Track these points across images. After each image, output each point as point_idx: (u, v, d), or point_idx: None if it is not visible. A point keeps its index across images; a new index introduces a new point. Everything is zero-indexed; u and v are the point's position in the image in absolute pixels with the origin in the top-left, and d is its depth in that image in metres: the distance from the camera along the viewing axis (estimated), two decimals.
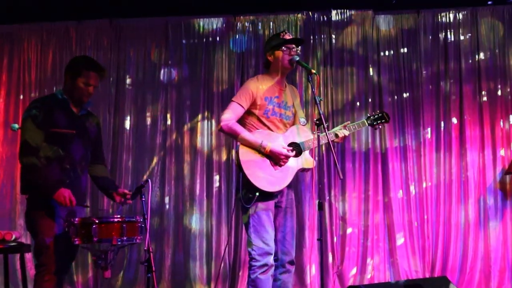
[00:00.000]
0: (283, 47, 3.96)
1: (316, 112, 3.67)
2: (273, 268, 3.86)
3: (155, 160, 6.42)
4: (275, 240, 3.91)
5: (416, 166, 6.22)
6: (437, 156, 6.22)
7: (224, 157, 6.39)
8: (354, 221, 6.18)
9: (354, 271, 6.11)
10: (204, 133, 6.44)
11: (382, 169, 6.24)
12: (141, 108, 6.51)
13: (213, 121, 6.43)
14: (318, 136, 3.75)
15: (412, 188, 6.18)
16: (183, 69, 6.52)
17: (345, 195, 6.23)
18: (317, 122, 3.70)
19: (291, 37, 4.05)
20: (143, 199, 3.63)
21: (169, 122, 6.49)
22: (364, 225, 6.18)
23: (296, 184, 5.99)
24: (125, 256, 6.20)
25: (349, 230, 6.17)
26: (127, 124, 6.50)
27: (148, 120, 6.49)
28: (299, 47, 4.06)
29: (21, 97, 6.56)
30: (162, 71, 6.54)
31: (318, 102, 3.70)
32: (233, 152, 6.33)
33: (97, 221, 3.49)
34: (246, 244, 6.08)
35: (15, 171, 6.42)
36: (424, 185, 6.18)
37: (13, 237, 3.66)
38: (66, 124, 3.76)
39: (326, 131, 3.69)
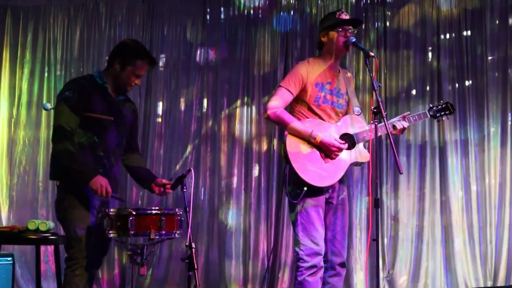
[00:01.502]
0: (338, 28, 3.94)
1: (373, 99, 3.60)
2: (323, 270, 3.85)
3: (189, 149, 6.47)
4: (325, 240, 3.90)
5: (478, 162, 6.15)
6: (502, 151, 6.14)
7: (264, 147, 6.41)
8: (407, 221, 6.15)
9: (405, 277, 6.08)
10: (243, 120, 6.47)
11: (440, 165, 6.19)
12: (174, 92, 6.55)
13: (253, 107, 6.46)
14: (376, 126, 3.70)
15: (473, 186, 6.12)
16: (221, 49, 6.55)
17: (398, 192, 6.20)
18: (375, 110, 3.64)
19: (348, 17, 4.01)
20: (185, 190, 3.65)
21: (205, 107, 6.53)
22: (418, 226, 6.14)
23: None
24: (154, 251, 6.26)
25: (401, 231, 6.15)
26: (159, 109, 6.56)
27: (182, 105, 6.54)
28: (356, 28, 4.03)
29: (46, 76, 6.66)
30: (198, 52, 6.58)
31: (376, 88, 3.64)
32: (274, 141, 6.35)
33: (134, 213, 3.52)
34: (293, 243, 6.17)
35: (37, 157, 6.55)
36: (487, 183, 6.11)
37: (48, 226, 3.71)
38: (103, 110, 3.78)
39: (386, 120, 3.65)
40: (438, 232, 6.11)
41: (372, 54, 3.75)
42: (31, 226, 3.74)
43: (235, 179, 6.39)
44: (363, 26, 6.31)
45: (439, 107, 4.15)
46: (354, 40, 3.92)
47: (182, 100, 6.55)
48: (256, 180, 6.38)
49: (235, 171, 6.40)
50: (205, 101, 6.53)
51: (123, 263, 6.39)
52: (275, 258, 6.23)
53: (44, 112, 6.58)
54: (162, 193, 3.97)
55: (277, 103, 3.88)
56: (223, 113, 6.51)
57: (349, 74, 4.23)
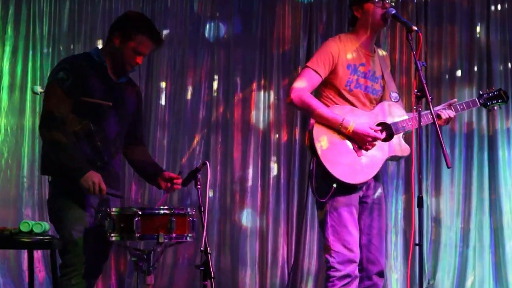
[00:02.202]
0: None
1: (417, 81, 3.59)
2: (357, 280, 3.85)
3: (197, 138, 6.48)
4: (360, 245, 3.89)
5: None
6: None
7: (284, 137, 6.42)
8: (450, 223, 6.18)
9: (449, 287, 6.09)
10: (260, 106, 6.48)
11: (489, 157, 6.21)
12: (180, 73, 6.54)
13: (271, 91, 6.46)
14: (419, 112, 3.68)
15: None
16: (234, 24, 6.56)
17: (440, 190, 6.23)
18: (419, 94, 3.62)
19: None
20: (199, 186, 3.65)
21: (215, 91, 6.54)
22: (463, 229, 6.17)
23: None
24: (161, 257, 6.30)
25: (444, 235, 6.18)
26: (162, 93, 6.55)
27: (189, 89, 6.54)
28: None
29: (31, 55, 6.62)
30: (207, 27, 6.58)
31: (420, 68, 3.62)
32: (296, 131, 6.35)
33: (140, 213, 3.52)
34: (317, 249, 6.19)
35: (22, 149, 6.55)
36: None
37: (43, 228, 3.71)
38: (101, 94, 3.77)
39: (431, 105, 3.63)
40: (487, 236, 6.13)
41: (415, 28, 3.73)
42: (24, 228, 3.75)
43: (250, 174, 6.41)
44: None
45: (491, 94, 4.15)
46: (394, 12, 3.89)
47: (189, 82, 6.54)
48: (274, 175, 6.40)
49: (250, 165, 6.42)
50: (215, 83, 6.54)
51: (120, 271, 6.41)
52: (296, 265, 6.26)
53: (29, 96, 6.56)
54: (169, 189, 3.96)
55: (303, 85, 3.85)
56: (236, 98, 6.51)
57: (385, 54, 4.22)
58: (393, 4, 3.95)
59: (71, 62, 3.84)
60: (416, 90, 3.64)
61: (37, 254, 6.18)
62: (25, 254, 6.31)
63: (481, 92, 4.18)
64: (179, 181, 3.94)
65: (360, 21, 3.97)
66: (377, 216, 3.98)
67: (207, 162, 3.68)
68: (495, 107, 4.16)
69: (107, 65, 3.83)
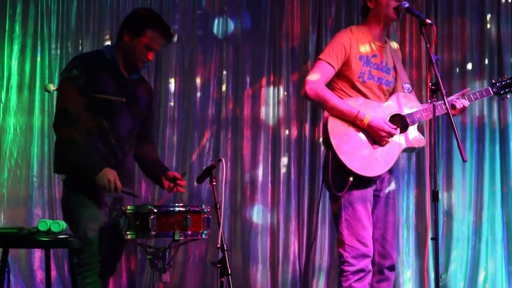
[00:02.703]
0: None
1: (431, 75, 3.60)
2: (371, 274, 3.85)
3: (206, 135, 6.49)
4: (372, 239, 3.89)
5: None
6: None
7: (294, 133, 6.42)
8: (463, 217, 6.17)
9: (461, 282, 6.10)
10: (270, 102, 6.48)
11: (501, 151, 6.21)
12: (189, 69, 6.54)
13: (281, 87, 6.46)
14: (434, 105, 3.69)
15: None
16: (243, 19, 6.56)
17: (452, 184, 6.23)
18: (433, 87, 3.64)
19: None
20: (214, 183, 3.64)
21: (224, 87, 6.54)
22: (476, 222, 6.16)
23: None
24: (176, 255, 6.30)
25: (456, 229, 6.17)
26: (171, 90, 6.56)
27: (198, 85, 6.54)
28: None
29: (39, 54, 6.65)
30: (216, 22, 6.58)
31: (434, 61, 3.63)
32: (306, 126, 6.34)
33: (156, 211, 3.51)
34: (329, 245, 6.18)
35: (31, 148, 6.56)
36: None
37: (61, 227, 3.72)
38: (114, 90, 3.77)
39: (445, 99, 3.63)
40: (499, 229, 6.13)
41: (429, 21, 3.75)
42: (42, 227, 3.76)
43: (260, 171, 6.41)
44: None
45: (503, 82, 4.14)
46: (407, 5, 3.91)
47: (198, 79, 6.54)
48: (284, 171, 6.40)
49: (261, 161, 6.42)
50: (224, 80, 6.54)
51: (131, 269, 6.41)
52: (308, 262, 6.27)
53: (38, 96, 6.59)
54: (171, 189, 3.96)
55: (317, 78, 3.86)
56: (246, 94, 6.51)
57: (396, 46, 4.23)
58: None
59: (84, 59, 3.84)
60: (430, 84, 3.66)
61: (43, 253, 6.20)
62: (35, 253, 6.34)
63: (493, 81, 4.18)
64: (183, 183, 3.95)
65: (373, 12, 3.98)
66: (391, 210, 3.99)
67: (222, 159, 3.67)
68: (508, 95, 4.15)
69: (119, 62, 3.83)
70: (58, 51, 6.64)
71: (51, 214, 6.40)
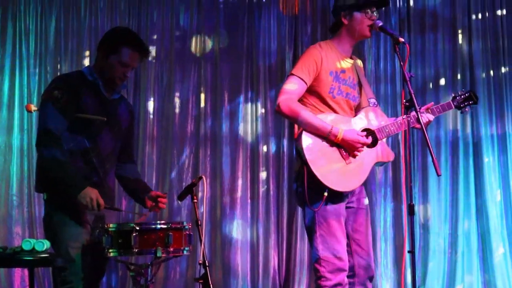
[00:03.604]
0: (366, 9, 3.97)
1: (405, 92, 3.68)
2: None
3: (185, 152, 6.52)
4: (349, 252, 3.93)
5: None
6: None
7: (273, 148, 6.48)
8: (439, 229, 6.25)
9: None
10: (248, 118, 6.54)
11: (475, 164, 6.30)
12: (167, 87, 6.58)
13: (259, 103, 6.53)
14: (409, 122, 3.77)
15: None
16: (221, 37, 6.61)
17: (427, 197, 6.30)
18: (407, 104, 3.70)
19: None
20: (195, 200, 3.70)
21: (203, 104, 6.58)
22: (451, 234, 6.24)
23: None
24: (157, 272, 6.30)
25: (432, 241, 6.24)
26: (150, 107, 6.59)
27: (177, 103, 6.59)
28: (379, 10, 4.09)
29: (17, 73, 6.63)
30: (193, 40, 6.62)
31: (408, 78, 3.68)
32: (284, 142, 6.40)
33: (138, 228, 3.57)
34: (308, 259, 6.23)
35: (10, 167, 6.54)
36: None
37: (45, 246, 3.74)
38: (95, 110, 3.81)
39: (419, 115, 3.70)
40: (474, 241, 6.21)
41: (402, 40, 3.79)
42: (26, 246, 3.78)
43: (239, 186, 6.46)
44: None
45: (463, 96, 4.22)
46: (381, 24, 3.96)
47: (176, 96, 6.59)
48: (263, 187, 6.46)
49: (240, 177, 6.47)
50: (202, 97, 6.58)
51: (111, 286, 6.42)
52: (288, 275, 6.31)
53: (16, 114, 6.56)
54: (153, 208, 3.99)
55: (290, 94, 3.87)
56: (224, 111, 6.57)
57: (360, 62, 4.26)
58: (377, 15, 4.04)
59: (65, 80, 3.90)
60: (404, 100, 3.73)
61: (27, 271, 6.17)
62: (15, 273, 6.31)
63: (453, 94, 4.26)
64: (164, 200, 3.99)
65: (346, 27, 4.01)
66: (364, 220, 4.01)
67: (203, 177, 3.73)
68: (467, 109, 4.23)
69: (100, 82, 3.88)
70: (37, 70, 6.62)
71: (31, 232, 6.36)
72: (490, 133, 6.30)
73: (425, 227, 6.28)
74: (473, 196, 6.26)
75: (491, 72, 6.36)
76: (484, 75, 6.36)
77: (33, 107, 4.08)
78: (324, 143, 3.85)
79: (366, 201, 4.08)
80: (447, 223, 6.26)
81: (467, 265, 6.17)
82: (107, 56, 3.84)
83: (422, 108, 4.11)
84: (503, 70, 6.36)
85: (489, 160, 6.26)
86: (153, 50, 6.61)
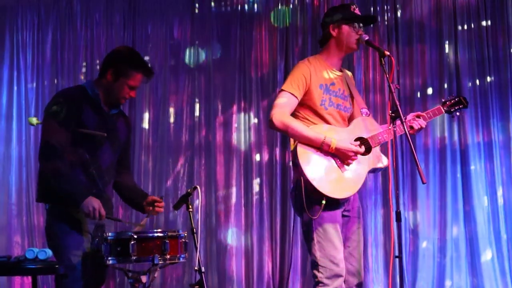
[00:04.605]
0: (354, 23, 4.12)
1: (391, 103, 3.83)
2: None
3: (180, 161, 6.66)
4: None
5: (505, 166, 6.36)
6: None
7: (265, 157, 6.60)
8: (428, 234, 6.34)
9: None
10: (241, 128, 6.67)
11: (462, 171, 6.39)
12: (162, 98, 6.72)
13: (251, 113, 6.65)
14: (395, 131, 3.91)
15: (499, 193, 6.33)
16: (214, 49, 6.75)
17: (417, 203, 6.39)
18: (393, 114, 3.85)
19: (360, 13, 4.23)
20: (191, 210, 3.84)
21: (197, 115, 6.71)
22: (440, 240, 6.33)
23: None
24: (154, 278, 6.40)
25: (422, 246, 6.34)
26: (146, 118, 6.73)
27: (171, 113, 6.73)
28: (366, 26, 4.24)
29: (15, 85, 6.79)
30: (187, 52, 6.76)
31: (393, 90, 3.82)
32: (277, 150, 6.51)
33: (136, 237, 3.71)
34: (301, 264, 6.34)
35: (9, 177, 6.66)
36: None
37: (47, 254, 3.89)
38: (95, 124, 3.95)
39: (404, 125, 3.85)
40: (462, 246, 6.29)
41: (387, 53, 3.92)
42: (30, 255, 3.92)
43: (234, 194, 6.58)
44: None
45: (452, 101, 4.37)
46: (367, 38, 4.10)
47: (171, 107, 6.73)
48: (257, 194, 6.57)
49: (234, 185, 6.59)
50: (197, 107, 6.71)
51: None
52: (281, 281, 6.39)
53: (15, 125, 6.71)
54: (151, 212, 4.13)
55: (282, 109, 4.00)
56: (218, 120, 6.69)
57: (350, 74, 4.40)
58: (363, 30, 4.19)
59: (65, 95, 4.02)
60: (390, 111, 3.88)
61: (28, 279, 6.27)
62: (15, 280, 6.42)
63: (443, 100, 4.40)
64: (161, 204, 4.13)
65: (335, 40, 4.15)
66: (357, 229, 4.14)
67: (198, 187, 3.86)
68: (457, 113, 4.39)
69: (100, 98, 4.02)
70: (34, 82, 6.78)
71: (30, 241, 6.48)
72: (476, 141, 6.40)
73: (415, 232, 6.36)
74: (461, 202, 6.35)
75: (477, 82, 6.47)
76: (470, 84, 6.46)
77: (36, 121, 4.22)
78: (319, 153, 3.97)
79: (359, 209, 4.21)
80: (436, 228, 6.35)
81: (456, 270, 6.26)
82: (116, 77, 3.98)
83: (412, 114, 4.25)
84: (488, 79, 6.46)
85: (476, 167, 6.37)
86: (147, 61, 6.67)
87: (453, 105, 4.37)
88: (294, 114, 4.09)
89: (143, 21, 6.82)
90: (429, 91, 6.52)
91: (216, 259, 6.52)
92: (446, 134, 6.43)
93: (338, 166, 4.00)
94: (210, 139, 6.66)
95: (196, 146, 6.66)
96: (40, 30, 6.87)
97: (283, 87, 4.08)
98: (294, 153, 3.98)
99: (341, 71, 4.26)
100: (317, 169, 3.95)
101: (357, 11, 4.19)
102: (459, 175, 6.40)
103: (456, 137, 6.43)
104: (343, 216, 4.09)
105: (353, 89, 4.29)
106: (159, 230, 3.86)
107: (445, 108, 4.35)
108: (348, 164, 4.00)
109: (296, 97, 4.03)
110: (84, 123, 3.92)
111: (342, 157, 3.98)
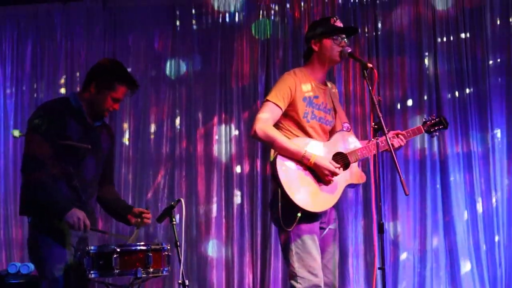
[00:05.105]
0: (334, 36, 4.16)
1: (374, 115, 3.86)
2: None
3: (161, 173, 6.63)
4: None
5: (484, 176, 6.38)
6: (509, 164, 6.37)
7: (246, 169, 6.59)
8: (408, 245, 6.35)
9: None
10: (222, 140, 6.65)
11: (442, 182, 6.41)
12: (142, 110, 6.72)
13: (233, 124, 6.64)
14: (378, 143, 3.95)
15: (478, 204, 6.35)
16: (195, 61, 6.75)
17: (397, 214, 6.40)
18: (376, 126, 3.88)
19: (341, 25, 4.26)
20: (174, 223, 3.83)
21: (178, 126, 6.71)
22: (420, 250, 6.35)
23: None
24: None
25: (402, 257, 6.35)
26: (126, 129, 6.72)
27: (152, 125, 6.72)
28: (349, 38, 4.28)
29: None
30: (168, 64, 6.75)
31: (377, 102, 3.86)
32: (258, 162, 6.51)
33: (118, 250, 3.69)
34: (282, 275, 6.33)
35: None
36: (493, 200, 6.34)
37: (30, 269, 3.85)
38: (79, 137, 3.95)
39: (387, 137, 3.88)
40: (442, 257, 6.31)
41: (370, 65, 3.99)
42: (12, 269, 3.88)
43: (214, 206, 6.55)
44: None
45: (433, 121, 4.44)
46: (350, 50, 4.18)
47: (151, 118, 6.71)
48: (238, 206, 6.55)
49: (215, 197, 6.57)
50: (177, 119, 6.70)
51: None
52: None
53: None
54: (139, 224, 4.12)
55: (266, 119, 4.05)
56: (199, 132, 6.68)
57: (334, 87, 4.48)
58: (347, 42, 4.22)
59: (48, 107, 4.02)
60: (373, 123, 3.91)
61: None
62: None
63: (424, 119, 4.47)
64: (149, 215, 4.14)
65: (317, 54, 4.21)
66: (333, 241, 4.22)
67: (182, 200, 3.86)
68: (437, 133, 4.45)
69: (84, 110, 4.00)
70: (14, 94, 6.74)
71: (8, 255, 6.34)
72: (456, 152, 6.42)
73: (395, 243, 6.37)
74: (440, 212, 6.36)
75: (456, 93, 6.49)
76: (449, 96, 6.48)
77: (18, 133, 4.20)
78: (298, 166, 4.03)
79: (335, 222, 4.26)
80: (416, 239, 6.36)
81: (436, 281, 6.27)
82: (100, 89, 3.98)
83: (392, 132, 4.31)
84: (467, 91, 6.49)
85: (455, 178, 6.38)
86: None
87: (433, 125, 4.44)
88: (276, 125, 4.13)
89: (124, 32, 6.82)
90: (409, 102, 6.54)
91: (197, 271, 6.50)
92: (426, 145, 6.44)
93: (316, 180, 4.05)
94: (191, 151, 6.64)
95: (176, 158, 6.64)
96: (19, 42, 6.84)
97: (268, 97, 4.12)
98: (273, 165, 4.04)
99: (326, 84, 4.32)
100: (294, 182, 4.00)
101: (338, 23, 4.23)
102: (438, 186, 6.42)
103: (435, 148, 6.44)
104: (321, 228, 4.14)
105: (336, 103, 4.35)
106: (142, 243, 3.85)
107: (425, 128, 4.42)
108: (324, 181, 4.05)
109: (280, 108, 4.08)
110: (68, 135, 3.91)
111: (319, 173, 4.04)
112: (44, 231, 3.87)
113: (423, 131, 4.40)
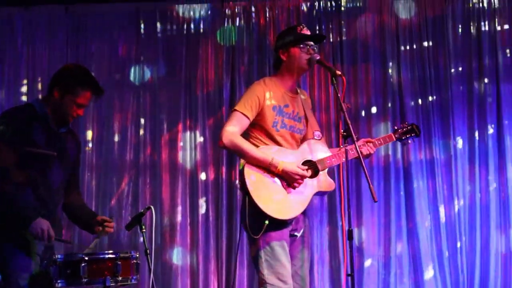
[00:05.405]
0: (301, 44, 4.17)
1: (343, 122, 3.87)
2: None
3: (125, 180, 6.57)
4: None
5: (446, 183, 6.47)
6: (471, 171, 6.48)
7: (212, 175, 6.56)
8: (372, 251, 6.40)
9: None
10: (186, 146, 6.61)
11: (405, 188, 6.48)
12: (106, 116, 6.64)
13: (197, 131, 6.61)
14: (347, 150, 3.97)
15: (441, 210, 6.43)
16: (159, 67, 6.70)
17: (362, 221, 6.44)
18: (345, 133, 3.91)
19: (309, 32, 4.27)
20: (144, 230, 3.79)
21: (142, 133, 6.64)
22: (384, 256, 6.40)
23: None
24: None
25: (367, 263, 6.40)
26: (89, 136, 6.62)
27: (116, 131, 6.64)
28: (317, 44, 4.29)
29: None
30: (132, 70, 6.70)
31: (345, 109, 3.89)
32: (223, 169, 6.49)
33: (87, 258, 3.63)
34: (247, 283, 6.31)
35: None
36: (456, 206, 6.43)
37: None
38: (44, 143, 3.89)
39: (356, 145, 3.91)
40: (406, 263, 6.37)
41: (339, 73, 4.02)
42: None
43: (179, 213, 6.51)
44: None
45: (404, 129, 4.47)
46: (319, 57, 4.18)
47: (115, 125, 6.64)
48: (203, 213, 6.52)
49: (179, 204, 6.53)
50: (142, 125, 6.65)
51: None
52: None
53: None
54: (101, 233, 4.07)
55: (233, 129, 4.05)
56: (163, 139, 6.63)
57: (306, 95, 4.48)
58: (316, 49, 4.23)
59: (11, 114, 3.95)
60: (342, 130, 3.92)
61: None
62: None
63: (395, 127, 4.50)
64: (111, 224, 4.09)
65: (285, 64, 4.22)
66: (305, 247, 4.22)
67: (152, 207, 3.82)
68: (409, 141, 4.48)
69: (49, 116, 3.93)
70: None
71: None
72: (419, 159, 6.48)
73: (360, 249, 6.40)
74: (404, 219, 6.42)
75: (419, 101, 6.57)
76: (412, 103, 6.56)
77: None
78: (266, 174, 4.04)
79: (306, 229, 4.26)
80: (381, 245, 6.41)
81: (400, 285, 6.32)
82: (63, 95, 3.92)
83: (363, 140, 4.33)
84: (430, 98, 6.57)
85: (418, 184, 6.45)
86: None
87: (405, 133, 4.47)
88: (245, 134, 4.14)
89: (87, 38, 6.72)
90: (373, 110, 6.60)
91: (162, 279, 6.42)
92: (390, 152, 6.50)
93: (284, 188, 4.06)
94: (155, 157, 6.60)
95: (141, 164, 6.59)
96: None
97: (236, 107, 4.12)
98: (242, 173, 4.03)
99: (297, 92, 4.32)
100: (262, 190, 4.01)
101: (304, 30, 4.25)
102: (402, 192, 6.48)
103: (399, 155, 6.51)
104: (291, 235, 4.14)
105: (308, 111, 4.36)
106: (111, 251, 3.80)
107: (396, 136, 4.45)
108: (294, 187, 4.05)
109: (248, 117, 4.08)
110: (33, 142, 3.85)
111: (288, 179, 4.04)
112: (9, 240, 3.80)
113: (394, 138, 4.43)
